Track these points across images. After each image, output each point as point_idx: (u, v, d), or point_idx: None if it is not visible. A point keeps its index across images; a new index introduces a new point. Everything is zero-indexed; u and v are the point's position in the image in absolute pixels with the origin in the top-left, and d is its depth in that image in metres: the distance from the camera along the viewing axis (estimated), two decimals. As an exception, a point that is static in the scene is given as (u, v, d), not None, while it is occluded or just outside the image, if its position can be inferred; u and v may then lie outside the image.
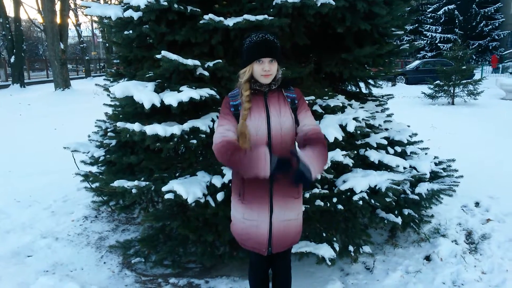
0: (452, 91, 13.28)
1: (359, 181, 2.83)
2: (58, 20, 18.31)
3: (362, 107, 3.54)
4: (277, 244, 2.02)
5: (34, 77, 29.61)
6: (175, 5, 2.74)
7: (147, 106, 2.62)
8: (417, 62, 24.10)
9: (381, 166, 3.17)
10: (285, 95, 1.97)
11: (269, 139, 1.90)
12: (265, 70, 1.85)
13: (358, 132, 2.99)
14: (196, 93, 2.67)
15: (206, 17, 2.73)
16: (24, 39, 23.66)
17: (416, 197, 3.18)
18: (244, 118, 1.89)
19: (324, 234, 2.90)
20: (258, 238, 2.00)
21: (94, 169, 3.77)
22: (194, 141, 2.75)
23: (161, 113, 2.87)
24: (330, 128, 2.84)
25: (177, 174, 2.93)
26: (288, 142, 1.96)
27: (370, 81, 3.95)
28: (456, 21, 30.70)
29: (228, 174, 2.71)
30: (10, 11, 23.21)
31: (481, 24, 30.47)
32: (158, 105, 2.65)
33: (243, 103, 1.90)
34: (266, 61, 1.84)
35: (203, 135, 2.76)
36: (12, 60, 21.15)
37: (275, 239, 2.00)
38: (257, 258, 2.18)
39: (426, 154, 3.76)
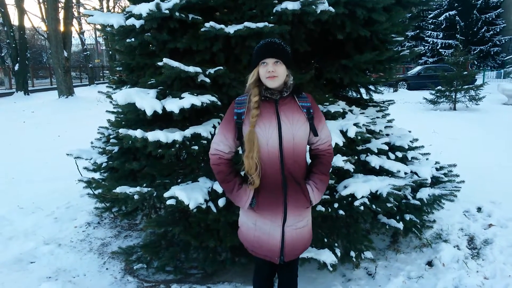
0: (453, 97, 13.29)
1: (360, 187, 2.84)
2: (61, 28, 18.48)
3: (363, 113, 3.55)
4: (290, 252, 2.00)
5: (38, 84, 29.81)
6: (177, 13, 2.77)
7: (149, 112, 2.64)
8: (418, 68, 24.14)
9: (382, 172, 3.17)
10: (299, 104, 1.90)
11: (281, 150, 1.85)
12: (269, 71, 1.79)
13: (359, 137, 3.00)
14: (197, 100, 2.70)
15: (207, 25, 2.76)
16: (28, 47, 23.86)
17: (418, 202, 3.19)
18: (252, 125, 1.83)
19: (325, 240, 2.90)
20: (270, 246, 1.97)
21: (96, 175, 3.79)
22: (196, 147, 2.77)
23: (163, 120, 2.89)
24: (331, 134, 2.85)
25: (179, 180, 2.95)
26: (300, 153, 1.92)
27: (371, 87, 3.97)
28: (458, 26, 30.76)
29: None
30: (14, 20, 23.49)
31: (483, 30, 30.53)
32: (160, 111, 2.68)
33: (251, 109, 1.84)
34: (270, 62, 1.80)
35: (205, 141, 2.78)
36: (16, 68, 21.33)
37: (288, 247, 1.98)
38: (262, 265, 2.15)
39: (427, 159, 3.76)
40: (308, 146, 2.04)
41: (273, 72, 1.80)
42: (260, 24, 2.71)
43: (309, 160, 2.09)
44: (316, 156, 2.05)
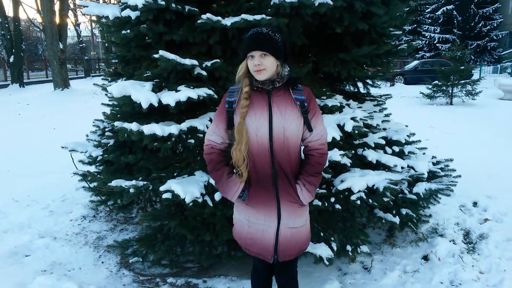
0: (450, 91, 13.31)
1: (357, 181, 2.83)
2: (57, 20, 18.32)
3: (360, 107, 3.54)
4: (284, 252, 1.93)
5: (33, 76, 29.59)
6: (173, 5, 2.74)
7: (144, 105, 2.62)
8: (415, 62, 24.14)
9: (379, 166, 3.17)
10: (293, 97, 1.83)
11: (271, 142, 1.79)
12: (255, 64, 1.73)
13: (356, 131, 2.99)
14: (194, 93, 2.67)
15: (204, 16, 2.73)
16: (23, 39, 23.63)
17: (414, 197, 3.19)
18: (242, 117, 1.78)
19: (322, 234, 2.90)
20: (264, 244, 1.92)
21: (92, 168, 3.77)
22: (192, 141, 2.75)
23: (159, 113, 2.87)
24: (328, 128, 2.83)
25: (175, 174, 2.93)
26: (293, 148, 1.84)
27: (368, 81, 3.95)
28: (455, 21, 30.76)
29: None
30: (9, 11, 23.28)
31: (480, 25, 30.53)
32: (156, 104, 2.65)
33: (241, 100, 1.80)
34: (256, 55, 1.74)
35: (201, 135, 2.76)
36: (11, 60, 21.14)
37: (282, 246, 1.91)
38: (260, 264, 2.10)
39: (424, 154, 3.76)
40: (304, 142, 1.97)
41: (259, 66, 1.74)
42: (258, 17, 2.68)
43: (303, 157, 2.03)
44: (306, 155, 1.96)
